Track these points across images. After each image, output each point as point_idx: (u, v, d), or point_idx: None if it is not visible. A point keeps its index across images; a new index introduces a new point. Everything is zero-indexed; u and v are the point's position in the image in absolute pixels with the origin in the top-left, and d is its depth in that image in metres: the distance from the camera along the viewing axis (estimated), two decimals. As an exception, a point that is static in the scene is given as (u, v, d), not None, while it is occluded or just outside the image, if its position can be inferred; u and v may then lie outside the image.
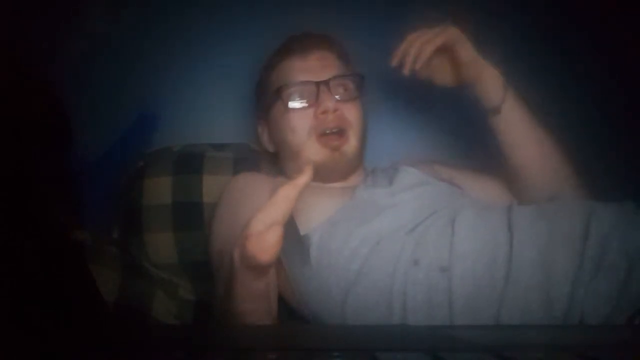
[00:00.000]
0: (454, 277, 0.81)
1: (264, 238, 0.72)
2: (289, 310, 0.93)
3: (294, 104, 0.98)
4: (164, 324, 1.00)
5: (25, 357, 0.52)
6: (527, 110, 0.96)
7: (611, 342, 0.63)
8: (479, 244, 0.83)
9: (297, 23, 1.06)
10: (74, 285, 0.75)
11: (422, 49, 0.93)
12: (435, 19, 0.95)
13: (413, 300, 0.82)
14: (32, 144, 0.72)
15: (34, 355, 0.52)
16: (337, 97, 0.97)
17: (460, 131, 1.14)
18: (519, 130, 0.96)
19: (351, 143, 0.98)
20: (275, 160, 1.06)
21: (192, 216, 1.06)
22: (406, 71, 0.94)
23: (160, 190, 1.08)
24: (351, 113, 0.98)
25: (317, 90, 0.96)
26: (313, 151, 0.96)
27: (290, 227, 0.76)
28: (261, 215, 0.73)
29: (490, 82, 0.95)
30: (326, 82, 0.97)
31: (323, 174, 0.94)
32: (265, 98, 1.04)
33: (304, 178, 0.75)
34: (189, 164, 1.10)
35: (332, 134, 0.96)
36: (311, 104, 0.97)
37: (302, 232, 0.88)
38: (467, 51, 0.94)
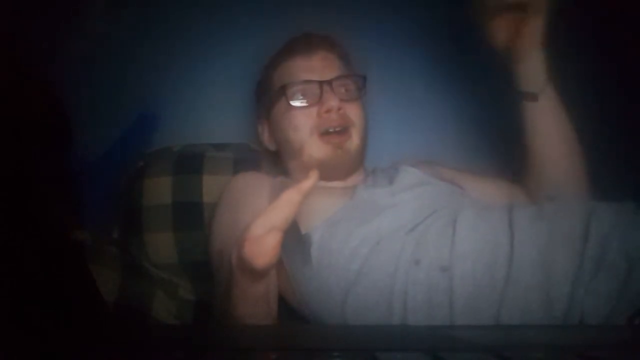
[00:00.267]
0: (455, 277, 0.81)
1: (261, 242, 0.71)
2: (289, 310, 0.93)
3: (297, 103, 0.98)
4: (164, 324, 1.00)
5: (25, 357, 0.52)
6: (561, 105, 0.95)
7: (611, 342, 0.63)
8: (480, 244, 0.83)
9: (296, 23, 1.06)
10: (74, 285, 0.75)
11: None
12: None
13: (413, 300, 0.82)
14: (32, 144, 0.72)
15: (34, 355, 0.52)
16: (339, 97, 0.97)
17: (460, 131, 1.14)
18: (549, 122, 0.95)
19: (354, 141, 0.98)
20: (276, 159, 1.06)
21: (192, 216, 1.06)
22: None
23: (160, 190, 1.08)
24: (354, 112, 0.98)
25: (320, 90, 0.97)
26: (316, 149, 0.97)
27: (291, 226, 0.76)
28: (261, 219, 0.72)
29: (537, 64, 0.94)
30: (329, 82, 0.97)
31: (325, 172, 0.93)
32: (266, 97, 1.04)
33: (308, 182, 0.73)
34: (189, 164, 1.10)
35: (335, 133, 0.96)
36: (314, 103, 0.97)
37: (303, 232, 0.88)
38: (537, 22, 0.92)
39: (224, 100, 1.18)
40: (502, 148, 1.10)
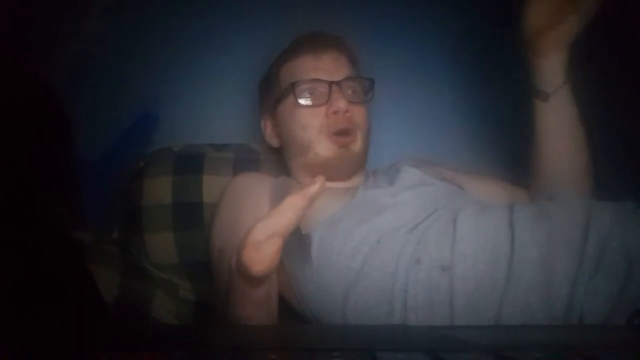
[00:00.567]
0: (455, 276, 0.81)
1: (261, 248, 0.69)
2: (289, 310, 0.93)
3: (306, 101, 0.98)
4: (164, 324, 1.00)
5: (25, 357, 0.52)
6: (576, 105, 0.94)
7: (611, 342, 0.63)
8: (480, 244, 0.83)
9: (296, 24, 1.06)
10: (74, 285, 0.75)
11: None
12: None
13: (414, 299, 0.82)
14: (32, 144, 0.72)
15: (34, 355, 0.52)
16: (347, 98, 0.97)
17: (460, 132, 1.14)
18: (561, 121, 0.95)
19: (358, 142, 0.98)
20: (277, 156, 1.06)
21: (192, 216, 1.07)
22: None
23: (160, 190, 1.08)
24: (359, 115, 0.98)
25: (329, 90, 0.97)
26: (322, 148, 0.97)
27: None
28: (262, 224, 0.71)
29: (557, 64, 0.93)
30: (338, 83, 0.97)
31: (328, 172, 0.94)
32: (272, 93, 1.03)
33: (314, 188, 0.71)
34: (189, 164, 1.10)
35: (342, 134, 0.97)
36: (323, 103, 0.97)
37: (303, 231, 0.88)
38: (575, 22, 0.91)
39: (224, 100, 1.18)
40: (503, 148, 1.10)
